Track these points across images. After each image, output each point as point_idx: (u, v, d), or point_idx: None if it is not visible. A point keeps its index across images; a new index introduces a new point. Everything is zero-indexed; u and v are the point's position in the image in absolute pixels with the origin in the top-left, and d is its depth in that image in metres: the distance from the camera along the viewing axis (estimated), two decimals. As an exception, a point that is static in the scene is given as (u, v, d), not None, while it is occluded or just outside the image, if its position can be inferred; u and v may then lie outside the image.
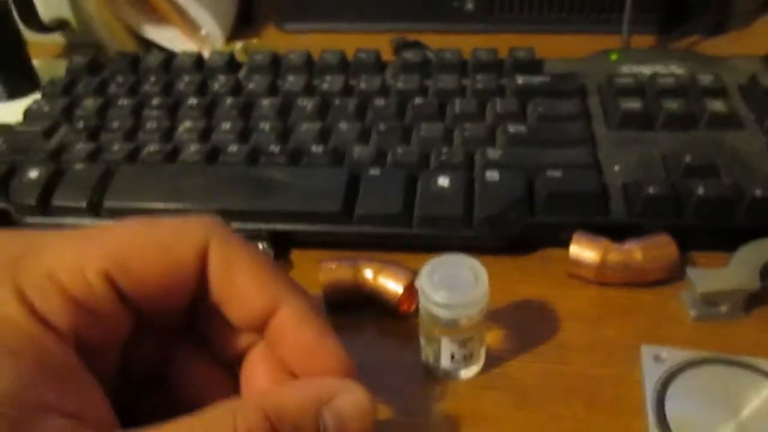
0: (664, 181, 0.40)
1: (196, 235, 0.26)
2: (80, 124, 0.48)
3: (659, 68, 0.50)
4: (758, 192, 0.38)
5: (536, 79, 0.48)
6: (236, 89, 0.51)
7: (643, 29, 0.60)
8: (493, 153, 0.42)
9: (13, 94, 0.57)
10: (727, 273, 0.36)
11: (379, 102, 0.47)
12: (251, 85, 0.50)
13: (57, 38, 0.64)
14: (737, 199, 0.39)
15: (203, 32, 0.62)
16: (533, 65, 0.51)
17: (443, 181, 0.40)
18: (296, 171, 0.42)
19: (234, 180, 0.42)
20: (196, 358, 0.29)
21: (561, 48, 0.55)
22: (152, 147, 0.45)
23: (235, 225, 0.40)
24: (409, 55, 0.52)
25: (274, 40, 0.65)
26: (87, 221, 0.42)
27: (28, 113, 0.50)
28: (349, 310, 0.38)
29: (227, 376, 0.29)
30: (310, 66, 0.53)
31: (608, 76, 0.49)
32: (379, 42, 0.56)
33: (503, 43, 0.53)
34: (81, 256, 0.24)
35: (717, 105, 0.45)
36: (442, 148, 0.43)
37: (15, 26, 0.57)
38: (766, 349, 0.34)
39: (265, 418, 0.24)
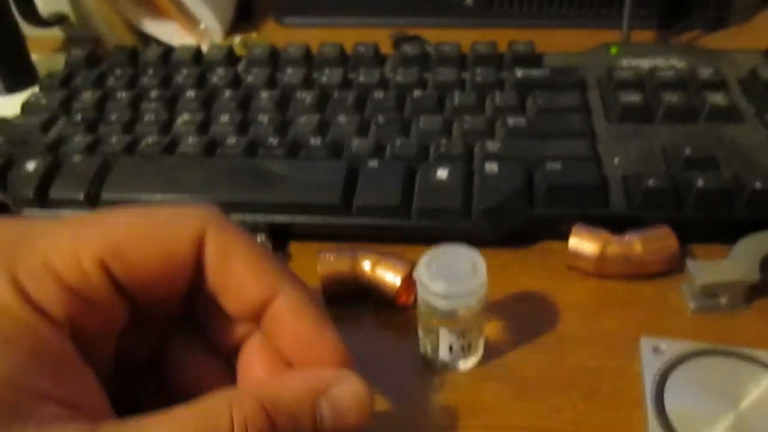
0: (664, 173, 0.40)
1: (193, 224, 0.26)
2: (78, 117, 0.48)
3: (659, 62, 0.50)
4: (758, 184, 0.38)
5: (536, 73, 0.48)
6: (235, 82, 0.51)
7: (642, 24, 0.59)
8: (493, 145, 0.42)
9: (12, 88, 0.56)
10: (726, 265, 0.36)
11: (378, 95, 0.47)
12: (250, 78, 0.50)
13: (56, 33, 0.64)
14: (737, 191, 0.39)
15: (202, 27, 0.62)
16: (533, 59, 0.50)
17: (442, 173, 0.40)
18: (295, 163, 0.42)
19: (232, 172, 0.42)
20: (192, 348, 0.29)
21: (560, 43, 0.54)
22: (150, 139, 0.45)
23: (234, 217, 0.39)
24: (409, 49, 0.51)
25: (273, 34, 0.64)
26: (84, 213, 0.42)
27: (25, 106, 0.50)
28: (347, 301, 0.37)
29: (224, 366, 0.29)
30: (309, 59, 0.52)
31: (608, 69, 0.49)
32: (379, 37, 0.55)
33: (503, 38, 0.52)
34: (76, 244, 0.24)
35: (717, 98, 0.45)
36: (441, 141, 0.43)
37: (14, 20, 0.57)
38: (765, 340, 0.34)
39: (262, 408, 0.23)
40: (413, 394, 0.33)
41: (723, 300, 0.36)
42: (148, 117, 0.47)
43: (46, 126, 0.47)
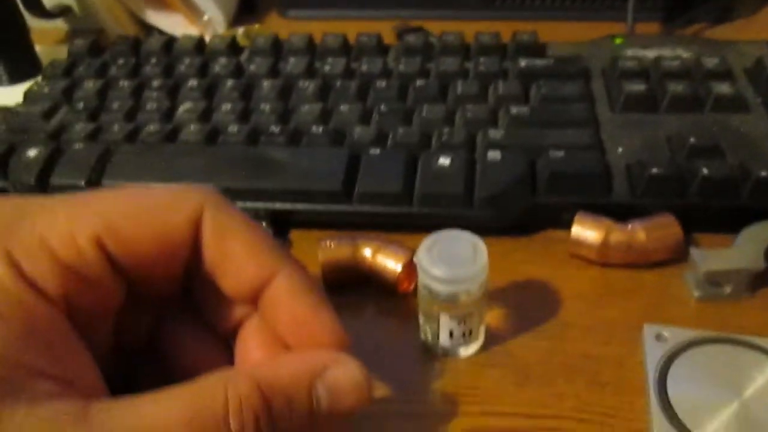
0: (668, 161, 0.39)
1: (190, 203, 0.26)
2: (80, 105, 0.48)
3: (664, 52, 0.49)
4: (763, 173, 0.38)
5: (539, 62, 0.48)
6: (237, 71, 0.50)
7: (647, 17, 0.59)
8: (495, 133, 0.42)
9: (16, 79, 0.57)
10: (731, 253, 0.36)
11: (381, 84, 0.47)
12: (252, 68, 0.50)
13: (60, 24, 0.64)
14: (742, 179, 0.38)
15: (205, 18, 0.62)
16: (536, 48, 0.50)
17: (444, 161, 0.40)
18: (296, 151, 0.42)
19: (234, 159, 0.42)
20: (190, 330, 0.28)
21: (565, 36, 0.54)
22: (152, 127, 0.44)
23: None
24: (412, 39, 0.51)
25: (276, 27, 0.64)
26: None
27: (28, 94, 0.50)
28: (348, 289, 0.37)
29: (222, 348, 0.29)
30: (311, 49, 0.52)
31: (612, 59, 0.48)
32: (382, 29, 0.55)
33: (507, 30, 0.52)
34: (72, 222, 0.24)
35: (722, 88, 0.44)
36: (444, 129, 0.43)
37: (18, 12, 0.57)
38: (770, 328, 0.34)
39: (257, 389, 0.23)
40: (414, 380, 0.33)
41: (727, 288, 0.36)
42: (150, 105, 0.47)
43: (48, 114, 0.47)
